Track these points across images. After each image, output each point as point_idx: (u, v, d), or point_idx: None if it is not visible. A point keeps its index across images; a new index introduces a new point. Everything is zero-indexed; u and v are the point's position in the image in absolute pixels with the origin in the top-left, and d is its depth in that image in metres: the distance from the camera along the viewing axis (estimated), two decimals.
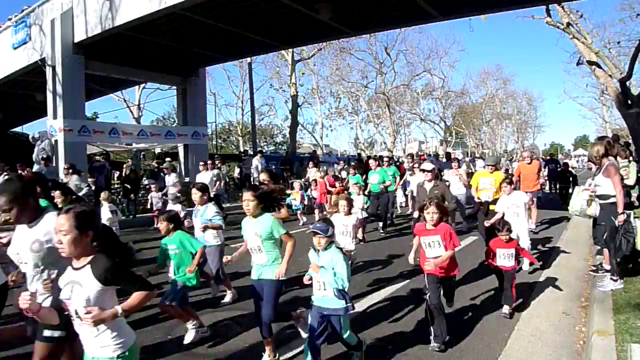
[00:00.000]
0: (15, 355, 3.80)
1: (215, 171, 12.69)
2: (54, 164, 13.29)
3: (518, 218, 6.44)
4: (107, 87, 21.35)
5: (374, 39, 36.60)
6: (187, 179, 15.72)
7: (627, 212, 5.12)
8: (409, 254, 4.55)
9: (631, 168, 6.56)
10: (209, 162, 13.11)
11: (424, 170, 7.29)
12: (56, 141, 13.90)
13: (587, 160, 17.65)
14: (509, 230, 5.01)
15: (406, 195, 13.06)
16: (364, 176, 11.27)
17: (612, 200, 5.14)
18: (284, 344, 4.15)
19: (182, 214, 7.27)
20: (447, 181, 10.38)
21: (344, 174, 13.49)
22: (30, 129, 30.23)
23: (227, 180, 17.28)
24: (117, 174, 19.31)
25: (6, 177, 7.11)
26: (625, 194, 5.34)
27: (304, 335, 3.95)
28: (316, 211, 12.12)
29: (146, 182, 15.66)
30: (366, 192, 9.87)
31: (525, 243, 6.41)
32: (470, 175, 11.09)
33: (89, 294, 2.29)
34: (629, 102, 15.56)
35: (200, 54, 17.16)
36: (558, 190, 16.33)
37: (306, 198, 12.59)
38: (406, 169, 14.47)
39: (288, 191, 12.21)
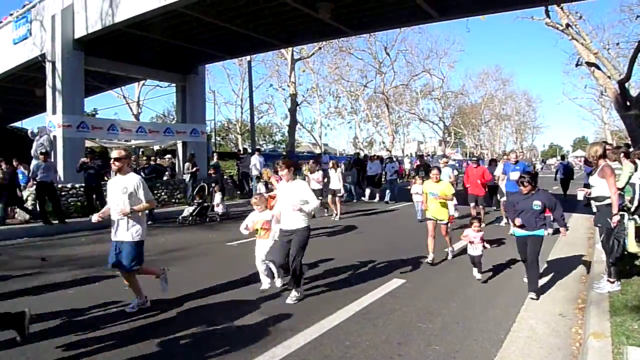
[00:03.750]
0: None
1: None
2: (52, 159, 13.27)
3: None
4: (107, 83, 21.34)
5: (373, 38, 36.73)
6: (184, 177, 15.70)
7: (622, 213, 5.13)
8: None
9: (624, 169, 6.34)
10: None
11: None
12: (55, 136, 13.91)
13: (584, 162, 17.59)
14: None
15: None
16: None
17: (607, 201, 5.15)
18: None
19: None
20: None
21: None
22: (29, 124, 30.38)
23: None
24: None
25: None
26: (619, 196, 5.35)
27: None
28: None
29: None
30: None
31: None
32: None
33: None
34: (628, 103, 15.58)
35: (199, 51, 17.14)
36: None
37: None
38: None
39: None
